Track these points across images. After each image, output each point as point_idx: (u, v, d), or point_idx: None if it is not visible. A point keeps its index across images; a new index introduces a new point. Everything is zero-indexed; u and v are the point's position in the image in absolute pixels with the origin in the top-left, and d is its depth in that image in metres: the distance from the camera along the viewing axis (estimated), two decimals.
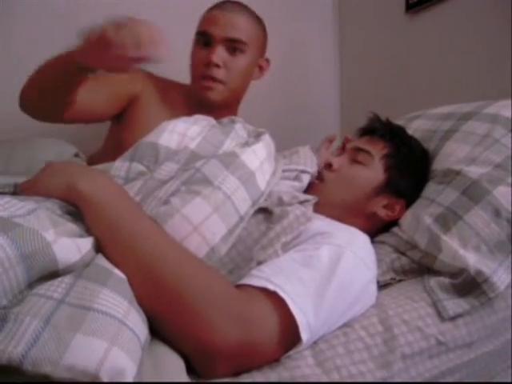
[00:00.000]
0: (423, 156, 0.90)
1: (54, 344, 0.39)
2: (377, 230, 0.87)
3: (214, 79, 1.07)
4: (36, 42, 1.33)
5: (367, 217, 0.85)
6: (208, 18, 1.10)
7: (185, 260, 0.55)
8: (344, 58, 1.85)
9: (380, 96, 1.66)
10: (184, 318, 0.50)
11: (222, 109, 1.13)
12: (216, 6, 1.11)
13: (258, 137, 0.79)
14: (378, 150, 0.87)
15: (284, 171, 0.81)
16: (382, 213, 0.85)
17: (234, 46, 1.07)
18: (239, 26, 1.08)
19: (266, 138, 0.78)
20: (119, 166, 0.69)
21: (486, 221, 0.74)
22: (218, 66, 1.06)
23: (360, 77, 1.78)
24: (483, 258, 0.72)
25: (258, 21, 1.14)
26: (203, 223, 0.60)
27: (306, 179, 0.84)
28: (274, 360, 0.54)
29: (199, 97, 1.11)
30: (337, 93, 1.89)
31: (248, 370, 0.53)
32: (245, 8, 1.12)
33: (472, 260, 0.71)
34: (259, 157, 0.72)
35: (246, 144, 0.76)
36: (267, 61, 1.22)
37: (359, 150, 0.88)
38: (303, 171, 0.84)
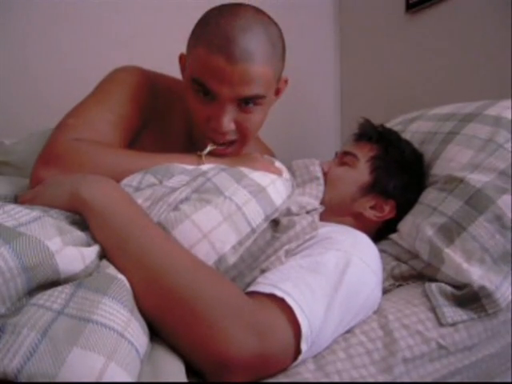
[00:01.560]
0: (414, 158, 0.91)
1: (50, 358, 0.39)
2: (371, 232, 0.87)
3: (228, 143, 0.83)
4: (36, 41, 1.34)
5: (354, 217, 0.87)
6: (207, 65, 0.74)
7: (197, 269, 0.53)
8: (344, 58, 1.85)
9: (380, 96, 1.66)
10: (199, 329, 0.49)
11: None
12: (220, 48, 0.72)
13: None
14: (364, 153, 0.90)
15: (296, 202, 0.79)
16: (370, 214, 0.86)
17: (248, 102, 0.78)
18: (255, 79, 0.75)
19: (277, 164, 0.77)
20: (132, 177, 0.68)
21: (491, 232, 0.73)
22: (229, 131, 0.80)
23: (360, 77, 1.78)
24: (488, 271, 0.71)
25: (275, 41, 0.79)
26: (213, 231, 0.59)
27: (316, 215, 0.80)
28: (284, 369, 0.54)
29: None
30: (337, 93, 1.89)
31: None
32: (258, 34, 0.75)
33: (476, 275, 0.71)
34: (269, 177, 0.71)
35: None
36: (285, 82, 0.91)
37: (346, 153, 0.92)
38: (314, 209, 0.79)
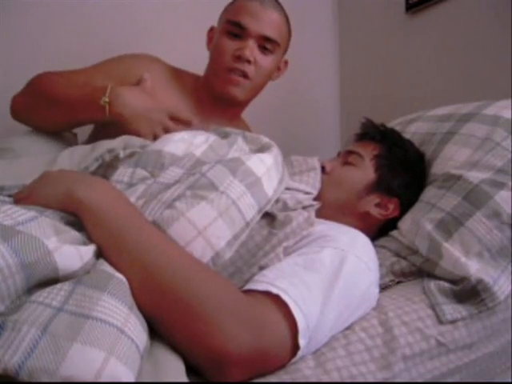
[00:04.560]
0: (417, 157, 0.92)
1: (51, 354, 0.39)
2: (374, 230, 0.88)
3: (244, 75, 1.01)
4: (36, 40, 1.34)
5: (361, 216, 0.86)
6: (244, 8, 1.01)
7: (193, 267, 0.54)
8: (344, 58, 1.85)
9: (380, 96, 1.66)
10: (195, 326, 0.49)
11: (234, 106, 1.10)
12: None
13: (262, 149, 0.78)
14: (368, 152, 0.90)
15: (295, 189, 0.80)
16: (375, 212, 0.86)
17: (267, 44, 1.02)
18: (277, 25, 1.02)
19: (273, 149, 0.77)
20: (123, 172, 0.68)
21: (488, 227, 0.74)
22: (249, 61, 1.00)
23: (360, 77, 1.78)
24: (485, 265, 0.72)
25: (287, 19, 1.07)
26: (208, 227, 0.59)
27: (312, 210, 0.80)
28: (283, 365, 0.54)
29: (220, 91, 1.04)
30: (337, 92, 1.89)
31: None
32: (279, 4, 1.05)
33: (474, 269, 0.71)
34: (266, 164, 0.71)
35: (252, 152, 0.76)
36: (286, 62, 1.16)
37: (350, 152, 0.91)
38: (311, 205, 0.79)
